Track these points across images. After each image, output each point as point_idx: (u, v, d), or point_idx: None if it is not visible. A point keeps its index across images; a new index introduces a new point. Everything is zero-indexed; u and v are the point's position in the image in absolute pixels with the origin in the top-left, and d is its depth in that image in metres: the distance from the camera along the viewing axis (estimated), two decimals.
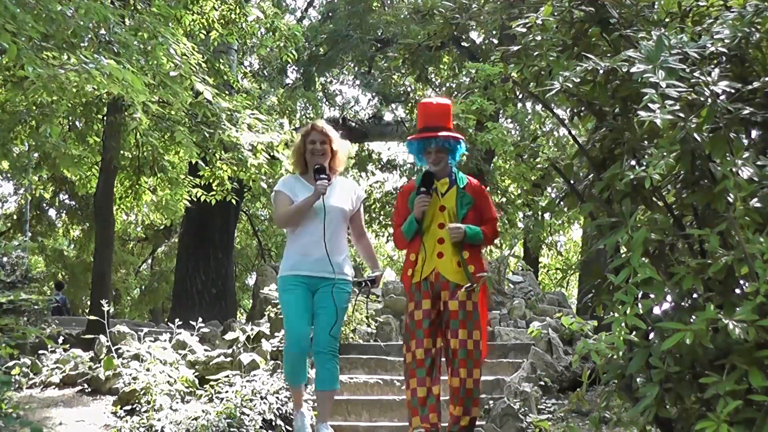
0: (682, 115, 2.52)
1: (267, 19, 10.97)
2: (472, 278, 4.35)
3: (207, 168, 9.31)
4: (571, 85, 2.82)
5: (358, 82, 17.39)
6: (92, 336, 7.42)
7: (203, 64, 7.81)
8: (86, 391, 6.67)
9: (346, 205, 4.76)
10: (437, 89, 17.22)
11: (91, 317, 7.99)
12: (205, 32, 10.56)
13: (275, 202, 4.77)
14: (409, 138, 4.71)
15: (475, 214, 4.51)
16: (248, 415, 5.28)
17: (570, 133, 3.59)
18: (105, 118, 10.91)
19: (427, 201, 4.44)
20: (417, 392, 4.35)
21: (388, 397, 6.07)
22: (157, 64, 6.93)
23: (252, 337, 6.78)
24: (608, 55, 3.11)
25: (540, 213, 4.11)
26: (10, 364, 6.60)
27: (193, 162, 9.08)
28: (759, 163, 2.60)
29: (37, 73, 5.24)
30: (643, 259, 2.66)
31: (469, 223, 4.46)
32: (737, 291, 2.62)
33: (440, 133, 4.48)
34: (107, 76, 5.59)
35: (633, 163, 2.88)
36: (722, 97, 2.62)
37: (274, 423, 5.37)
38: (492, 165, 13.65)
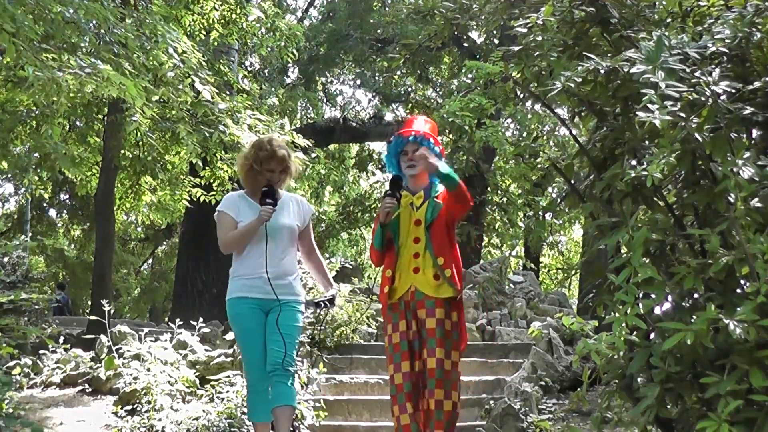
0: (682, 115, 2.52)
1: (268, 19, 10.96)
2: (452, 282, 4.19)
3: (207, 168, 9.31)
4: (572, 85, 2.82)
5: (358, 81, 17.40)
6: (93, 336, 7.42)
7: (203, 64, 7.79)
8: (87, 391, 6.67)
9: (295, 222, 4.52)
10: (437, 89, 17.23)
11: (92, 317, 7.98)
12: (205, 32, 10.56)
13: (219, 224, 4.51)
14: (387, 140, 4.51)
15: (446, 210, 4.27)
16: None
17: (571, 133, 3.59)
18: (105, 117, 10.91)
19: (392, 204, 4.23)
20: (400, 420, 4.23)
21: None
22: (158, 63, 6.92)
23: None
24: (609, 55, 3.10)
25: (541, 213, 4.11)
26: (11, 364, 6.60)
27: (193, 162, 9.08)
28: (760, 163, 2.59)
29: (35, 75, 5.23)
30: (644, 259, 2.66)
31: (440, 225, 4.26)
32: (738, 291, 2.62)
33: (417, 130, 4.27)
34: (104, 79, 5.57)
35: (634, 162, 2.87)
36: (723, 97, 2.62)
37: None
38: (492, 165, 13.64)
